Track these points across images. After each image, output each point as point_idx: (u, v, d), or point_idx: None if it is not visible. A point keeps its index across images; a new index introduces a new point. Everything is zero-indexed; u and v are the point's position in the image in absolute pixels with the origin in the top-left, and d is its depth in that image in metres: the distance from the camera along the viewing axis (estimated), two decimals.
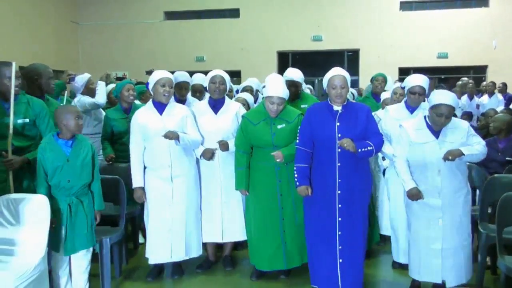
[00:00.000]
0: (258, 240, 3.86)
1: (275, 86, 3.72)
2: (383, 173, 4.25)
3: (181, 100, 4.50)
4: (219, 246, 4.36)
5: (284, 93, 3.73)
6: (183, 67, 12.18)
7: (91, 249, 3.51)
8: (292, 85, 4.40)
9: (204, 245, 4.17)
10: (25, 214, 3.21)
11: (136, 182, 3.86)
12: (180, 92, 4.51)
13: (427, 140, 3.35)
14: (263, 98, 4.04)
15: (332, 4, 14.78)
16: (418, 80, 3.89)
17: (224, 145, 3.95)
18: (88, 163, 3.44)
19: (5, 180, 3.48)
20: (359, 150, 3.33)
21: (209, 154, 3.95)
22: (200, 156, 3.98)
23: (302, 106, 4.40)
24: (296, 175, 3.52)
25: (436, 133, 3.36)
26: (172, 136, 3.69)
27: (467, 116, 7.40)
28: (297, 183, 3.52)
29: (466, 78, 9.91)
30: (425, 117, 3.44)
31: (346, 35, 14.71)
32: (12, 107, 3.49)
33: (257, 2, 15.20)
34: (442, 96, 3.27)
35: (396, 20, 14.61)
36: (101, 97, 5.00)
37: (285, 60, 15.43)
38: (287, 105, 3.88)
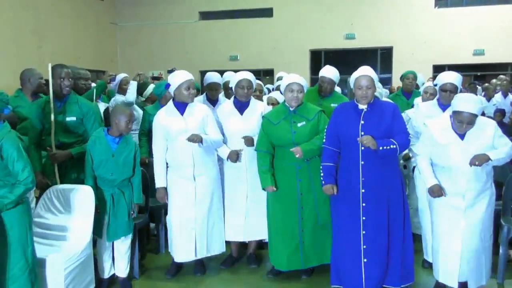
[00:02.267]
0: (277, 240, 3.86)
1: (292, 76, 3.77)
2: (413, 171, 4.26)
3: (213, 100, 4.59)
4: (243, 244, 4.36)
5: (302, 80, 3.74)
6: (217, 66, 12.52)
7: (130, 235, 3.78)
8: (325, 82, 4.46)
9: (228, 242, 4.21)
10: (73, 203, 3.52)
11: (159, 183, 3.91)
12: (211, 92, 4.60)
13: (452, 141, 3.28)
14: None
15: (365, 1, 14.76)
16: (449, 77, 3.83)
17: (249, 140, 3.96)
18: (130, 160, 3.71)
19: (53, 173, 3.81)
20: (380, 147, 3.28)
21: (234, 156, 3.97)
22: (227, 159, 4.00)
23: (332, 105, 4.33)
24: (322, 174, 3.52)
25: (461, 134, 3.27)
26: (196, 139, 3.71)
27: (500, 113, 7.35)
28: (323, 182, 3.51)
29: (503, 76, 9.78)
30: (450, 116, 3.33)
31: (379, 32, 14.68)
32: (51, 105, 3.80)
33: (291, 1, 15.33)
34: (464, 103, 3.18)
35: (430, 17, 14.48)
36: (130, 95, 5.31)
37: (317, 59, 15.52)
38: (306, 102, 3.87)
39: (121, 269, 3.79)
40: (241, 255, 4.39)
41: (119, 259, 3.78)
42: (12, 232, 2.93)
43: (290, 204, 3.77)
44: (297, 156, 3.59)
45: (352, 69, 3.52)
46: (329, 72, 4.52)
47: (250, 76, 4.09)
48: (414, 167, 4.21)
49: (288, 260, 3.82)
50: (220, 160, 4.11)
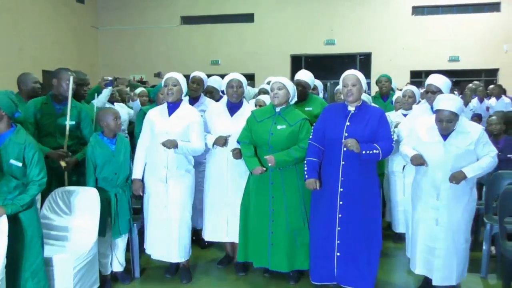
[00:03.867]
0: (248, 236, 3.89)
1: (275, 77, 3.87)
2: (403, 169, 4.41)
3: (194, 97, 4.61)
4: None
5: (284, 80, 3.76)
6: (199, 70, 12.50)
7: (127, 233, 3.95)
8: (299, 85, 4.33)
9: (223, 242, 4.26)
10: (78, 205, 3.63)
11: (135, 174, 3.93)
12: (192, 86, 4.58)
13: (434, 140, 3.40)
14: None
15: (345, 8, 15.08)
16: (432, 79, 3.91)
17: (237, 154, 3.91)
18: (128, 157, 3.90)
19: (62, 174, 3.91)
20: (363, 152, 3.35)
21: (222, 141, 3.96)
22: (213, 146, 3.99)
23: (307, 108, 4.31)
24: (305, 168, 3.56)
25: (445, 135, 3.38)
26: (169, 145, 3.71)
27: (477, 118, 7.65)
28: (306, 176, 3.55)
29: (477, 82, 10.15)
30: None
31: (359, 39, 15.00)
32: (69, 109, 3.92)
33: (271, 7, 15.55)
34: (443, 102, 3.29)
35: (408, 24, 14.87)
36: (99, 101, 5.16)
37: (298, 64, 15.74)
38: (293, 107, 3.88)
39: (120, 263, 3.96)
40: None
41: (117, 255, 3.93)
42: (30, 230, 3.06)
43: (262, 205, 3.80)
44: (269, 164, 3.62)
45: (332, 75, 3.76)
46: (304, 75, 4.47)
47: (240, 77, 4.10)
48: (404, 166, 4.34)
49: (257, 256, 3.87)
50: (201, 158, 4.17)
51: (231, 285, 4.06)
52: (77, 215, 3.60)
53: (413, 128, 3.62)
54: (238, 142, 3.91)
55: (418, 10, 15.09)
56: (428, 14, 15.09)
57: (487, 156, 3.36)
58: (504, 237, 3.65)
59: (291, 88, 3.81)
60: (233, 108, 4.11)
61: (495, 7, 14.60)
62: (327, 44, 15.38)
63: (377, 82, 6.36)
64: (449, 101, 3.30)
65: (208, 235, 4.19)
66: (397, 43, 14.77)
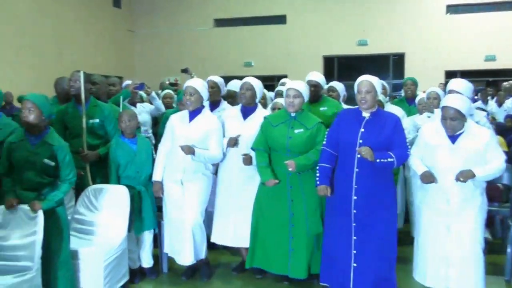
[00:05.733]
0: (265, 241, 3.83)
1: (292, 81, 3.82)
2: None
3: (213, 101, 4.57)
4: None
5: (300, 86, 3.72)
6: (232, 72, 12.80)
7: (153, 229, 4.12)
8: (312, 86, 4.28)
9: (239, 248, 4.24)
10: (108, 201, 3.83)
11: (156, 176, 4.02)
12: (212, 90, 4.49)
13: (443, 144, 3.33)
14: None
15: (378, 8, 14.97)
16: (454, 84, 3.89)
17: (247, 159, 3.93)
18: (149, 156, 4.09)
19: (85, 174, 4.08)
20: (378, 160, 3.29)
21: (232, 141, 4.00)
22: (226, 148, 4.02)
23: (321, 109, 4.30)
24: (318, 174, 3.52)
25: (453, 138, 3.30)
26: (187, 151, 3.77)
27: (511, 119, 7.51)
28: (318, 182, 3.51)
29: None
30: None
31: (391, 39, 14.87)
32: (84, 109, 4.08)
33: (304, 8, 15.60)
34: (450, 100, 3.27)
35: (442, 23, 14.63)
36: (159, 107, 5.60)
37: (330, 65, 15.75)
38: (307, 111, 3.88)
39: (147, 260, 4.14)
40: None
41: (145, 250, 4.11)
42: (64, 224, 3.30)
43: (281, 210, 3.77)
44: (290, 169, 3.59)
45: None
46: (316, 76, 4.39)
47: (252, 80, 4.11)
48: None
49: (276, 263, 3.82)
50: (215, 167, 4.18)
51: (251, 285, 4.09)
52: (108, 211, 3.79)
53: (421, 133, 3.55)
54: (252, 149, 3.91)
55: (452, 9, 14.83)
56: (463, 12, 14.81)
57: (497, 160, 3.27)
58: None
59: (306, 93, 3.80)
60: (247, 112, 4.13)
61: None
62: (359, 44, 15.30)
63: (403, 85, 6.21)
64: (456, 100, 3.27)
65: (215, 238, 4.18)
66: (431, 43, 14.55)
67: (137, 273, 4.11)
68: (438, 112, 4.11)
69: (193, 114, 3.99)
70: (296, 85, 3.73)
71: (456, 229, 3.30)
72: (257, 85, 4.13)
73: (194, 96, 3.92)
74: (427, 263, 3.43)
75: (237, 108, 4.24)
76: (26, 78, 11.26)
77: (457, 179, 3.22)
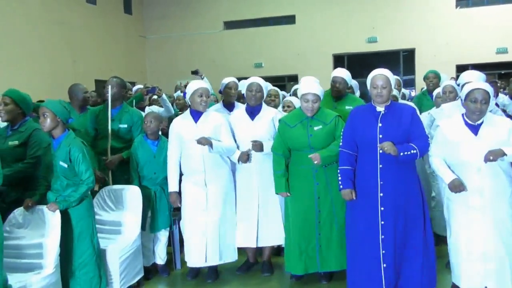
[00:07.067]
0: (294, 243, 3.81)
1: (308, 84, 3.73)
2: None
3: (229, 106, 4.51)
4: (260, 250, 4.31)
5: (318, 89, 3.69)
6: (243, 73, 12.87)
7: (168, 228, 4.25)
8: (337, 83, 4.32)
9: (243, 248, 4.24)
10: (123, 201, 3.98)
11: (172, 187, 4.00)
12: (228, 91, 4.48)
13: (465, 138, 3.22)
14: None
15: (386, 5, 15.00)
16: (470, 76, 3.78)
17: (257, 146, 3.95)
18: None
19: (106, 176, 4.24)
20: (401, 153, 3.22)
21: (245, 157, 3.99)
22: (238, 161, 4.02)
23: (347, 107, 4.24)
24: (339, 178, 3.44)
25: (475, 130, 3.22)
26: (205, 142, 3.78)
27: None
28: (341, 186, 3.43)
29: None
30: (462, 115, 3.31)
31: (401, 35, 14.89)
32: (109, 114, 4.25)
33: (312, 7, 15.69)
34: (475, 84, 3.22)
35: (452, 18, 14.61)
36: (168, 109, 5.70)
37: (341, 63, 15.75)
38: (323, 107, 3.86)
39: (161, 257, 4.28)
40: (258, 261, 4.37)
41: (160, 248, 4.25)
42: (80, 224, 3.41)
43: (308, 207, 3.76)
44: (315, 162, 3.58)
45: None
46: (340, 72, 4.39)
47: (260, 81, 4.12)
48: None
49: (305, 263, 3.81)
50: (232, 166, 4.15)
51: (261, 285, 4.08)
52: (122, 210, 3.95)
53: (439, 130, 3.43)
54: (272, 151, 3.91)
55: (462, 3, 14.81)
56: (473, 6, 14.79)
57: None
58: None
59: (322, 95, 3.79)
60: (253, 111, 4.13)
61: None
62: (369, 42, 15.35)
63: (425, 79, 6.10)
64: (481, 83, 3.23)
65: (240, 242, 4.16)
66: (442, 37, 14.53)
67: (151, 270, 4.26)
68: (445, 107, 4.17)
69: (198, 115, 4.00)
70: (314, 89, 3.69)
71: (492, 222, 3.18)
72: (265, 85, 4.18)
73: (209, 98, 4.01)
74: (461, 263, 3.28)
75: (242, 109, 4.25)
76: (41, 85, 11.52)
77: (487, 159, 3.09)
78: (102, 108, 4.44)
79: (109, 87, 4.31)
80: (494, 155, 3.07)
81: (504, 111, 7.78)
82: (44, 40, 12.37)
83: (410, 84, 14.61)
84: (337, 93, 4.37)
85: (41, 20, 12.35)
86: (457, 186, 3.22)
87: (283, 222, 4.03)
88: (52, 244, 3.25)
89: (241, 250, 4.34)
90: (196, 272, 4.22)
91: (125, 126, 4.38)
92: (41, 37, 12.27)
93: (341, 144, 3.51)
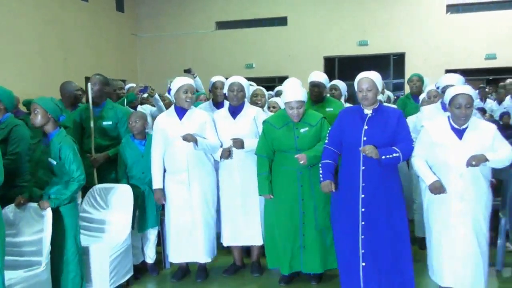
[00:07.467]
0: (279, 244, 3.87)
1: (292, 91, 3.73)
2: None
3: (218, 104, 4.57)
4: (246, 251, 4.37)
5: (302, 95, 3.70)
6: (234, 74, 12.72)
7: (157, 227, 4.27)
8: (316, 87, 4.38)
9: (230, 249, 4.32)
10: (113, 200, 3.99)
11: (156, 184, 4.02)
12: (216, 91, 4.56)
13: (450, 141, 3.26)
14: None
15: (377, 9, 15.09)
16: (450, 80, 3.88)
17: (238, 143, 3.96)
18: None
19: (91, 173, 4.23)
20: (383, 157, 3.27)
21: (226, 153, 4.01)
22: (220, 158, 4.05)
23: (327, 109, 4.33)
24: (321, 171, 3.51)
25: (460, 134, 3.26)
26: (190, 138, 3.80)
27: (507, 116, 7.59)
28: (321, 178, 3.49)
29: (511, 79, 9.98)
30: (448, 117, 3.35)
31: (392, 39, 14.99)
32: (91, 112, 4.25)
33: (304, 9, 15.74)
34: (459, 88, 3.25)
35: (442, 23, 14.74)
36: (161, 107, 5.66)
37: (331, 65, 15.88)
38: (308, 109, 3.89)
39: (150, 256, 4.30)
40: (245, 264, 4.41)
41: (148, 247, 4.27)
42: (67, 223, 3.43)
43: (292, 209, 3.80)
44: (301, 162, 3.60)
45: None
46: (318, 76, 4.45)
47: (241, 80, 4.12)
48: None
49: (290, 264, 3.86)
50: (215, 164, 4.18)
51: (251, 285, 4.13)
52: (113, 209, 3.97)
53: (423, 132, 3.47)
54: (256, 154, 3.92)
55: (452, 8, 14.94)
56: (463, 11, 14.92)
57: (505, 149, 3.21)
58: None
59: (306, 99, 3.80)
60: (235, 111, 4.14)
61: None
62: (360, 45, 15.43)
63: (409, 81, 6.25)
64: (464, 87, 3.28)
65: (227, 240, 4.21)
66: (432, 42, 14.67)
67: (140, 269, 4.27)
68: (425, 109, 4.24)
69: (182, 112, 4.01)
70: (298, 97, 3.69)
71: (471, 225, 3.24)
72: (246, 84, 4.17)
73: (194, 95, 4.03)
74: (443, 264, 3.35)
75: (225, 108, 4.25)
76: (32, 83, 11.45)
77: (469, 164, 3.13)
78: (86, 106, 4.43)
79: (89, 84, 4.30)
80: (477, 161, 3.10)
81: (492, 116, 7.92)
82: (36, 37, 12.28)
83: (399, 87, 14.75)
84: (317, 97, 4.42)
85: (33, 17, 12.25)
86: (438, 188, 3.25)
87: (263, 221, 4.05)
88: (44, 242, 3.26)
89: (228, 252, 4.39)
90: (185, 272, 4.24)
91: (110, 123, 4.37)
92: (32, 34, 12.18)
93: (326, 141, 3.58)
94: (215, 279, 4.26)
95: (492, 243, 4.19)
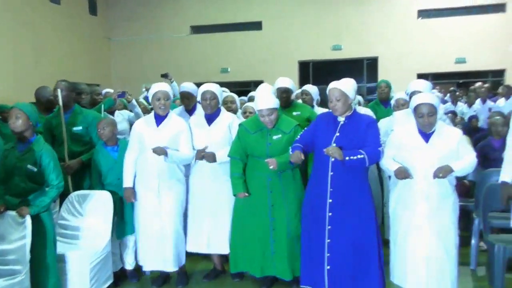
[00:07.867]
0: (247, 246, 3.86)
1: (262, 98, 3.73)
2: (390, 178, 4.27)
3: (189, 110, 4.51)
4: (226, 257, 4.28)
5: (273, 103, 3.71)
6: (209, 78, 12.92)
7: (134, 234, 4.19)
8: (285, 92, 4.42)
9: (210, 255, 4.27)
10: (92, 207, 3.95)
11: (126, 183, 3.99)
12: (183, 101, 4.53)
13: (416, 144, 3.34)
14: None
15: (351, 14, 15.35)
16: (417, 85, 3.97)
17: (210, 156, 3.93)
18: None
19: (66, 181, 4.11)
20: (347, 158, 3.29)
21: (200, 155, 3.97)
22: (195, 160, 4.03)
23: (295, 113, 4.36)
24: (290, 151, 3.52)
25: (426, 138, 3.33)
26: (160, 152, 3.76)
27: (475, 119, 7.79)
28: (291, 152, 3.49)
29: (480, 83, 10.26)
30: (417, 122, 3.39)
31: (365, 43, 15.25)
32: (63, 118, 4.18)
33: (279, 14, 15.87)
34: (421, 97, 3.31)
35: (414, 28, 15.08)
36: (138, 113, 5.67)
37: (306, 69, 16.05)
38: (282, 115, 3.89)
39: (129, 263, 4.25)
40: (225, 269, 4.37)
41: (127, 254, 4.22)
42: (47, 229, 3.39)
43: (261, 214, 3.80)
44: (271, 167, 3.55)
45: (339, 79, 3.55)
46: (285, 82, 4.47)
47: (213, 87, 4.07)
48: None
49: (261, 267, 3.87)
50: (186, 171, 4.14)
51: None
52: (92, 216, 3.92)
53: (393, 136, 3.54)
54: (229, 156, 3.92)
55: (423, 14, 15.29)
56: (434, 17, 15.29)
57: (469, 156, 3.30)
58: (487, 230, 3.86)
59: (278, 105, 3.80)
60: (211, 117, 4.10)
61: (500, 8, 14.76)
62: (334, 49, 15.65)
63: (377, 88, 6.31)
64: (427, 96, 3.34)
65: (190, 246, 4.16)
66: (404, 47, 14.99)
67: (120, 276, 4.23)
68: (397, 114, 4.35)
69: (160, 118, 3.99)
70: (268, 104, 3.69)
71: (436, 228, 3.29)
72: (219, 91, 4.12)
73: (168, 101, 3.96)
74: (406, 265, 3.38)
75: (201, 114, 4.19)
76: (3, 86, 11.24)
77: (436, 176, 3.22)
78: (55, 114, 4.34)
79: (59, 90, 4.20)
80: (443, 172, 3.20)
81: (462, 119, 8.13)
82: (6, 40, 12.03)
83: (373, 91, 14.97)
84: (285, 102, 4.44)
85: (3, 19, 12.01)
86: (402, 172, 3.31)
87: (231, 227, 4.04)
88: (24, 249, 3.21)
89: (208, 257, 4.38)
90: (165, 278, 4.23)
91: (80, 128, 4.31)
92: (3, 37, 11.94)
93: (297, 138, 3.59)
94: (196, 285, 4.24)
95: (466, 243, 4.37)
